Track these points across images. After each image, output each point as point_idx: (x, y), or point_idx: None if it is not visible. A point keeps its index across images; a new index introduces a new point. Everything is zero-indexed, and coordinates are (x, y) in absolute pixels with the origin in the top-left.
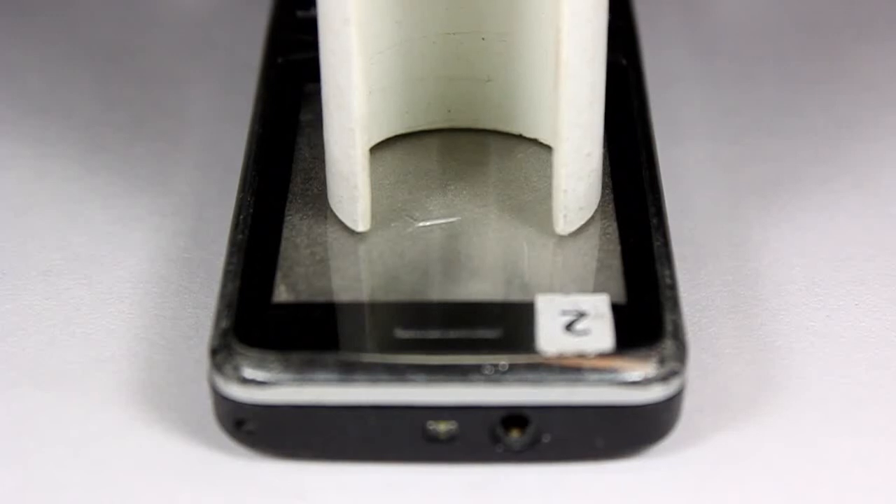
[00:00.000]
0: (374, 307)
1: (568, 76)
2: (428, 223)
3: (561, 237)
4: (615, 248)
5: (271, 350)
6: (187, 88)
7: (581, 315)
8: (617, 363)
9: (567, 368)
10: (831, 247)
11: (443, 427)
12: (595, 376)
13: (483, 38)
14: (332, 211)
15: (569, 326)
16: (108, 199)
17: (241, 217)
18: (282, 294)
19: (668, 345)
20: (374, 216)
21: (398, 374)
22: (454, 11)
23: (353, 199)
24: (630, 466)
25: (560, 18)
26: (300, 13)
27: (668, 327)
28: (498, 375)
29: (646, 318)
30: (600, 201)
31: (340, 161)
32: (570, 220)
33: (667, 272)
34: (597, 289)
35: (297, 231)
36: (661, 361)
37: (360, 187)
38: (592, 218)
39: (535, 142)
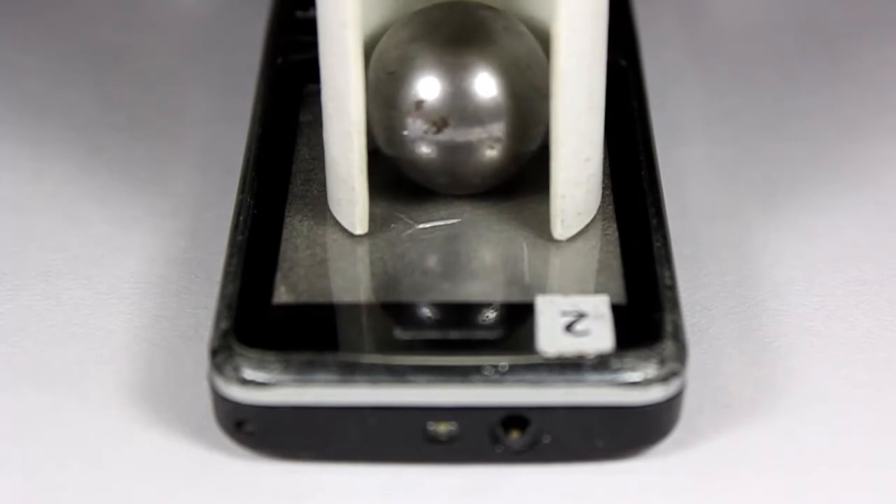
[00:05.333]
0: (374, 308)
1: (564, 83)
2: (428, 224)
3: (559, 238)
4: (615, 248)
5: (271, 351)
6: (187, 89)
7: (581, 316)
8: (617, 364)
9: (567, 369)
10: (831, 247)
11: (443, 428)
12: (595, 377)
13: None
14: (330, 213)
15: (569, 327)
16: (107, 199)
17: (241, 218)
18: (282, 295)
19: (667, 345)
20: (374, 217)
21: (398, 374)
22: None
23: (351, 202)
24: (630, 467)
25: (556, 26)
26: (300, 14)
27: (668, 328)
28: (498, 376)
29: (646, 318)
30: (600, 202)
31: (339, 163)
32: (567, 225)
33: (666, 273)
34: (597, 289)
35: (296, 232)
36: (661, 362)
37: (357, 190)
38: (592, 219)
39: None
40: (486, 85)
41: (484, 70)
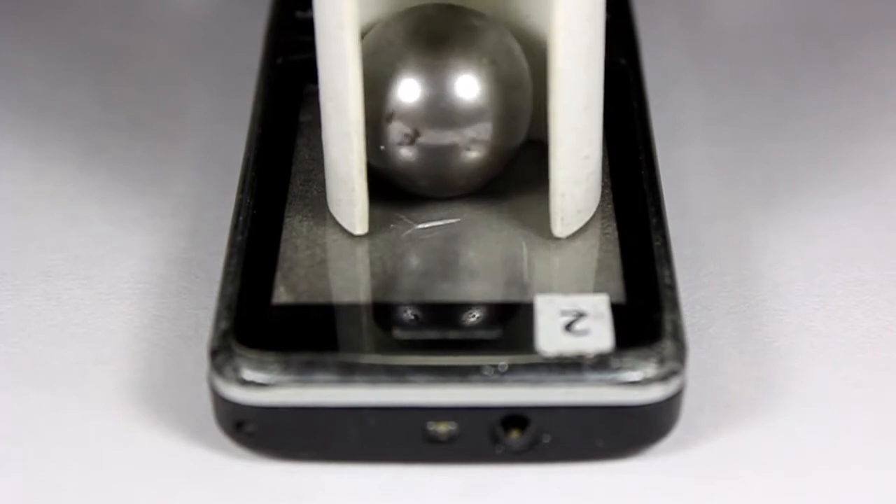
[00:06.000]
0: (374, 308)
1: (563, 83)
2: (427, 224)
3: (558, 237)
4: (614, 248)
5: (271, 351)
6: (187, 89)
7: (580, 315)
8: (616, 363)
9: (567, 369)
10: (831, 247)
11: (443, 428)
12: (595, 376)
13: None
14: (330, 213)
15: (568, 327)
16: (107, 200)
17: (241, 218)
18: (281, 295)
19: (667, 345)
20: (373, 218)
21: (398, 375)
22: None
23: (350, 203)
24: (630, 466)
25: (553, 28)
26: (299, 14)
27: (668, 327)
28: (497, 376)
29: (645, 318)
30: (600, 201)
31: (338, 164)
32: (567, 223)
33: (666, 272)
34: (596, 289)
35: (296, 232)
36: (661, 361)
37: (357, 191)
38: (592, 218)
39: (535, 143)
40: (458, 87)
41: (452, 71)
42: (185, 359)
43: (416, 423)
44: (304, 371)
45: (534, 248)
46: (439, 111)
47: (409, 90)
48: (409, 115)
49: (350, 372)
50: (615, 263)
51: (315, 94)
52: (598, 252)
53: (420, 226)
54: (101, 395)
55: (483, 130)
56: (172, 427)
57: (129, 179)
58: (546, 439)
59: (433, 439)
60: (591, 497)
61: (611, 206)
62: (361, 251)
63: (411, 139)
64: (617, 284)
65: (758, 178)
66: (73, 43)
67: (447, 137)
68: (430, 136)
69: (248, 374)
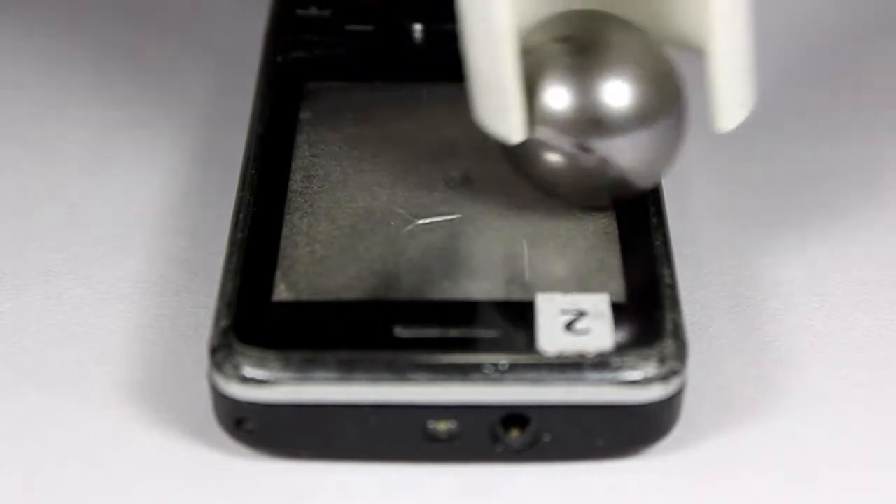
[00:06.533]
0: (374, 306)
1: None
2: (428, 220)
3: (559, 236)
4: (615, 247)
5: (271, 349)
6: (187, 87)
7: (581, 314)
8: (617, 362)
9: (567, 368)
10: (831, 247)
11: (443, 426)
12: (595, 376)
13: None
14: (330, 210)
15: (569, 326)
16: (107, 198)
17: (241, 216)
18: (282, 292)
19: (668, 344)
20: (373, 212)
21: (398, 373)
22: None
23: (505, 110)
24: (630, 466)
25: None
26: (300, 12)
27: (668, 326)
28: (498, 375)
29: (646, 317)
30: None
31: (487, 73)
32: (730, 116)
33: (667, 271)
34: (597, 288)
35: (296, 229)
36: (661, 361)
37: (511, 97)
38: (592, 217)
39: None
40: (607, 94)
41: (603, 79)
42: (185, 358)
43: (416, 422)
44: (305, 368)
45: (534, 247)
46: (587, 120)
47: (557, 97)
48: (556, 123)
49: (350, 369)
50: (615, 263)
51: (315, 92)
52: (599, 251)
53: (420, 221)
54: (101, 395)
55: (634, 140)
56: (172, 426)
57: (130, 178)
58: (546, 438)
59: (433, 438)
60: (591, 497)
61: (611, 205)
62: (361, 248)
63: (575, 137)
64: (617, 284)
65: (758, 177)
66: (73, 42)
67: (598, 146)
68: (580, 144)
69: (249, 371)
